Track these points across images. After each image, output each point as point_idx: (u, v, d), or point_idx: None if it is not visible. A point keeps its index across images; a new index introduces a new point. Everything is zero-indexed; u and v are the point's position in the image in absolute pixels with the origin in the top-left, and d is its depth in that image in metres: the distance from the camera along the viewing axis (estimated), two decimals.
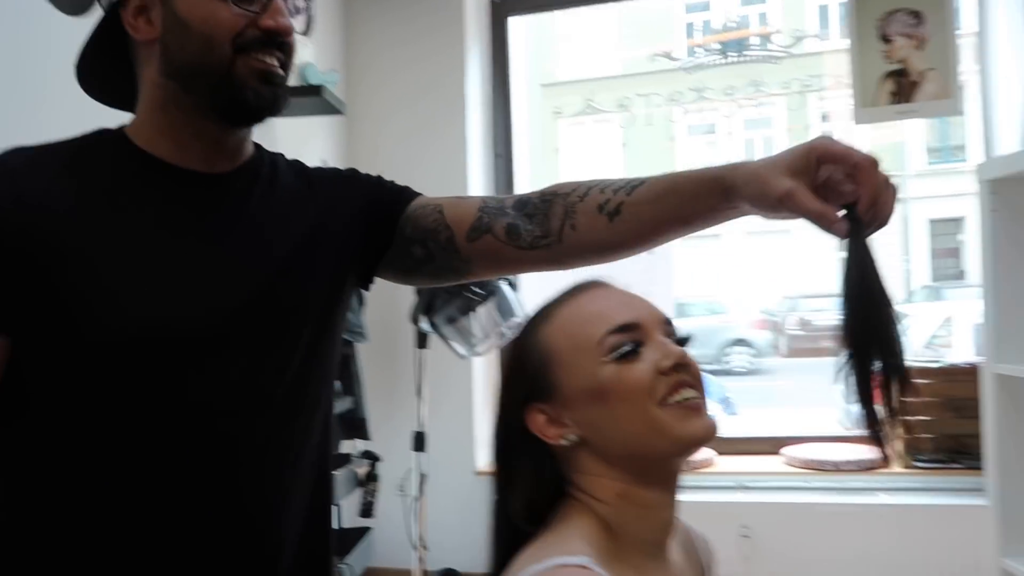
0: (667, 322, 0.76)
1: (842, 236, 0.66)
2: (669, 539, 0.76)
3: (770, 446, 2.99)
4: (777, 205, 0.68)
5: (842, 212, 0.66)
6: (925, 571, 2.53)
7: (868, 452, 2.75)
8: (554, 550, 0.68)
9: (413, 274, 0.96)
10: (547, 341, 0.76)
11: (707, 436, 0.71)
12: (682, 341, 0.75)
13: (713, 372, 8.66)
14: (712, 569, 0.85)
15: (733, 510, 2.65)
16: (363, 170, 0.99)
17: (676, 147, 15.37)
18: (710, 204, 0.77)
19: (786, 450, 2.88)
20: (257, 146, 0.94)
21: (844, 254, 0.66)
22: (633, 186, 0.82)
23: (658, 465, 0.73)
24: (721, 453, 2.95)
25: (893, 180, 0.66)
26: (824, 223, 0.66)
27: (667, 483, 0.74)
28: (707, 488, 2.78)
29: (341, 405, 2.30)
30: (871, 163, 0.66)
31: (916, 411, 2.75)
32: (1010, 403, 1.39)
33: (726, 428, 4.89)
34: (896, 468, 2.72)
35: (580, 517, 0.73)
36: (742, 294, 14.65)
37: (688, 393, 0.71)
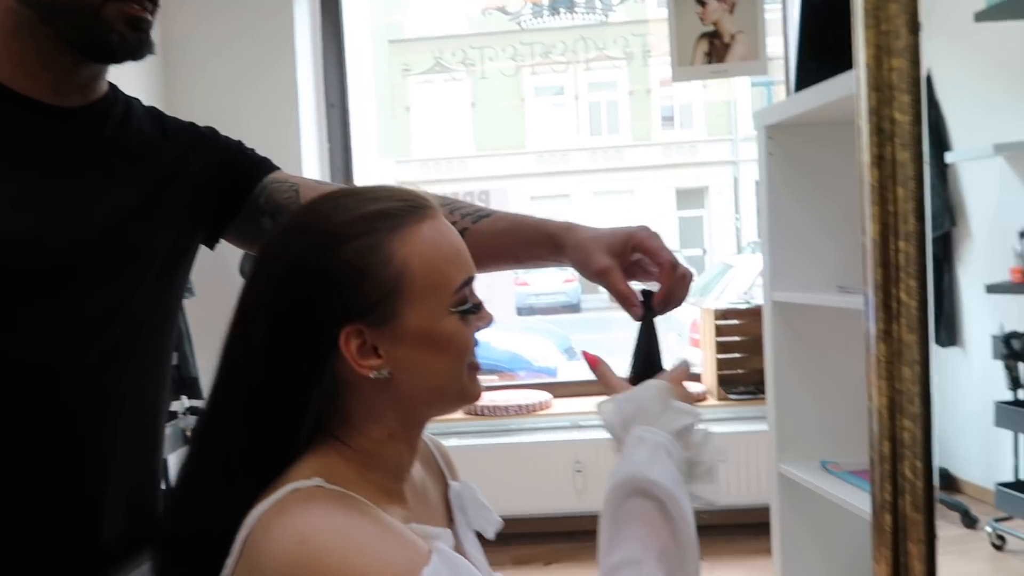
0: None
1: (636, 318, 0.81)
2: (412, 467, 0.75)
3: (603, 387, 3.17)
4: (594, 277, 0.82)
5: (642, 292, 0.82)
6: (737, 487, 2.81)
7: (691, 388, 2.99)
8: (284, 482, 0.63)
9: (258, 244, 0.95)
10: (405, 264, 0.66)
11: (481, 396, 0.75)
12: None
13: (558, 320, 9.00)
14: (450, 465, 0.86)
15: (568, 448, 2.81)
16: (184, 117, 0.97)
17: (525, 108, 15.61)
18: (541, 254, 0.88)
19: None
20: (112, 86, 0.89)
21: (638, 327, 0.82)
22: (480, 216, 0.90)
23: (436, 414, 0.73)
24: (557, 396, 3.10)
25: (689, 275, 0.82)
26: (625, 304, 0.81)
27: (431, 419, 0.74)
28: (543, 429, 2.93)
29: None
30: (672, 264, 0.80)
31: (728, 349, 3.02)
32: (785, 326, 1.56)
33: (563, 368, 5.12)
34: (713, 401, 2.99)
35: (323, 449, 0.67)
36: None
37: (477, 355, 0.73)
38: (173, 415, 2.28)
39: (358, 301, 0.66)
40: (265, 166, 0.96)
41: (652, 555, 0.65)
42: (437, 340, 0.67)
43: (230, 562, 0.61)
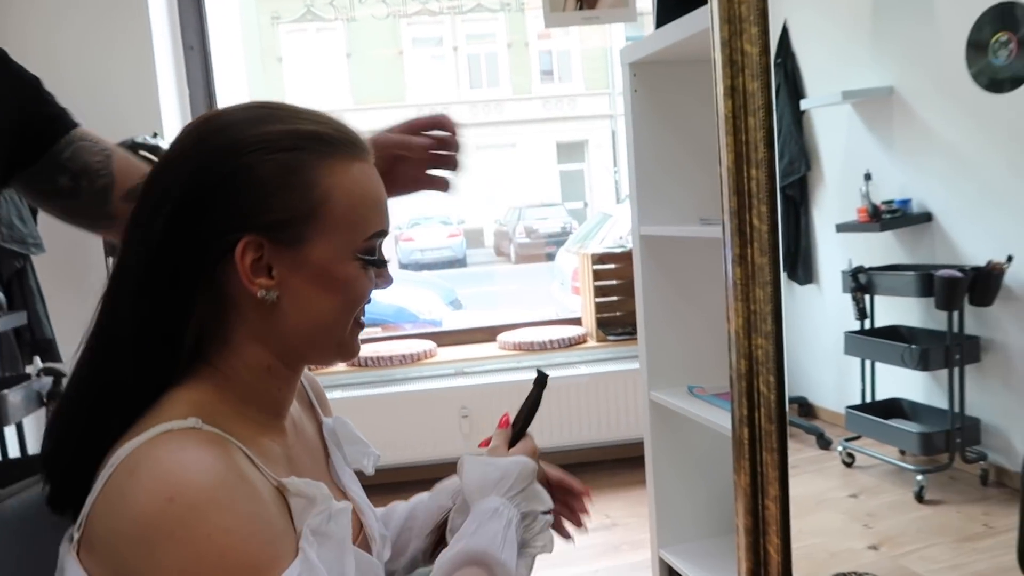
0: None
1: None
2: (291, 405, 0.75)
3: (487, 335, 3.22)
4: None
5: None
6: (616, 423, 2.95)
7: (571, 331, 3.09)
8: (157, 419, 0.60)
9: (47, 199, 0.87)
10: (328, 194, 0.64)
11: (357, 354, 0.74)
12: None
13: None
14: (323, 400, 0.87)
15: (453, 394, 2.84)
16: (25, 63, 0.87)
17: (403, 60, 15.24)
18: None
19: (501, 336, 3.12)
20: None
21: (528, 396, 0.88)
22: None
23: (312, 359, 0.71)
24: (441, 345, 3.12)
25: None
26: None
27: (308, 363, 0.74)
28: (429, 377, 2.95)
29: (12, 321, 2.07)
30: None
31: (606, 292, 3.12)
32: (653, 260, 1.64)
33: (449, 319, 5.16)
34: (592, 343, 3.09)
35: (198, 379, 0.65)
36: (475, 205, 15.23)
37: (365, 313, 0.73)
38: (26, 377, 2.13)
39: (265, 214, 0.63)
40: (67, 119, 0.88)
41: None
42: (334, 280, 0.66)
43: (90, 499, 0.58)
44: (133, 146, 2.22)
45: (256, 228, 0.63)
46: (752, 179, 1.10)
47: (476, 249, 15.00)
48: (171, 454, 0.57)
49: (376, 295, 0.71)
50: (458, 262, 13.46)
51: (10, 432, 2.10)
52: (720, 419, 1.41)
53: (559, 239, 11.59)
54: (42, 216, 2.27)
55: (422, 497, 0.94)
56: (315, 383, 0.87)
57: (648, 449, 1.71)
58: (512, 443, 0.82)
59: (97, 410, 0.62)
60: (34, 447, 2.30)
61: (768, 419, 1.18)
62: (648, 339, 1.68)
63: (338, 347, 0.70)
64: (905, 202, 1.58)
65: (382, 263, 0.70)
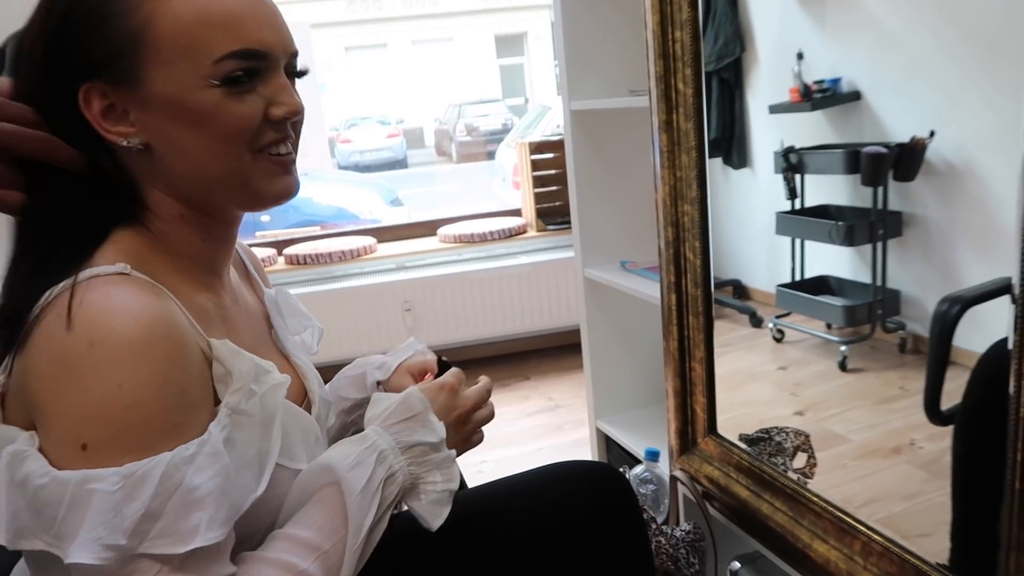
0: (294, 54, 0.66)
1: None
2: (226, 263, 0.73)
3: (427, 229, 3.20)
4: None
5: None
6: (556, 311, 3.01)
7: (511, 223, 3.09)
8: (87, 265, 0.59)
9: None
10: (149, 18, 0.59)
11: (288, 195, 0.68)
12: (300, 74, 0.68)
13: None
14: (262, 272, 0.86)
15: (396, 289, 2.85)
16: None
17: None
18: None
19: (441, 230, 3.11)
20: None
21: None
22: None
23: (226, 207, 0.68)
24: (382, 241, 3.10)
25: None
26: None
27: (233, 218, 0.70)
28: (370, 272, 2.94)
29: None
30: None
31: (544, 182, 3.12)
32: (583, 136, 1.63)
33: (389, 218, 5.10)
34: (532, 233, 3.11)
35: (127, 235, 0.63)
36: (413, 103, 14.80)
37: (284, 148, 0.66)
38: None
39: (91, 53, 0.60)
40: None
41: (310, 567, 0.62)
42: (191, 114, 0.61)
43: (19, 340, 0.57)
44: None
45: (90, 74, 0.60)
46: (676, 41, 1.09)
47: (416, 149, 14.67)
48: (101, 299, 0.56)
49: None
50: (398, 163, 13.18)
51: None
52: (651, 290, 1.45)
53: (500, 136, 11.41)
54: None
55: (338, 379, 0.95)
56: (253, 255, 0.85)
57: (584, 325, 1.75)
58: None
59: (39, 269, 0.60)
60: None
61: (694, 284, 1.21)
62: (581, 217, 1.69)
63: (245, 186, 0.65)
64: (835, 81, 1.58)
65: (249, 86, 0.62)
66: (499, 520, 0.80)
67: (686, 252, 1.21)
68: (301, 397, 0.77)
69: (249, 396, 0.61)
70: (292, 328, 0.82)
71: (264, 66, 0.63)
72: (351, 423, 0.93)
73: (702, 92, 1.15)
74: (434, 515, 0.70)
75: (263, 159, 0.65)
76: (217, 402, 0.61)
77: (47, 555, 0.54)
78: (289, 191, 0.67)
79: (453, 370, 0.80)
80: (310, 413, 0.76)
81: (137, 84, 0.61)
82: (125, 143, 0.62)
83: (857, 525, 0.97)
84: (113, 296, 0.56)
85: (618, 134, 1.64)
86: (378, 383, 0.90)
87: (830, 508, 1.01)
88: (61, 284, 0.57)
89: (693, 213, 1.17)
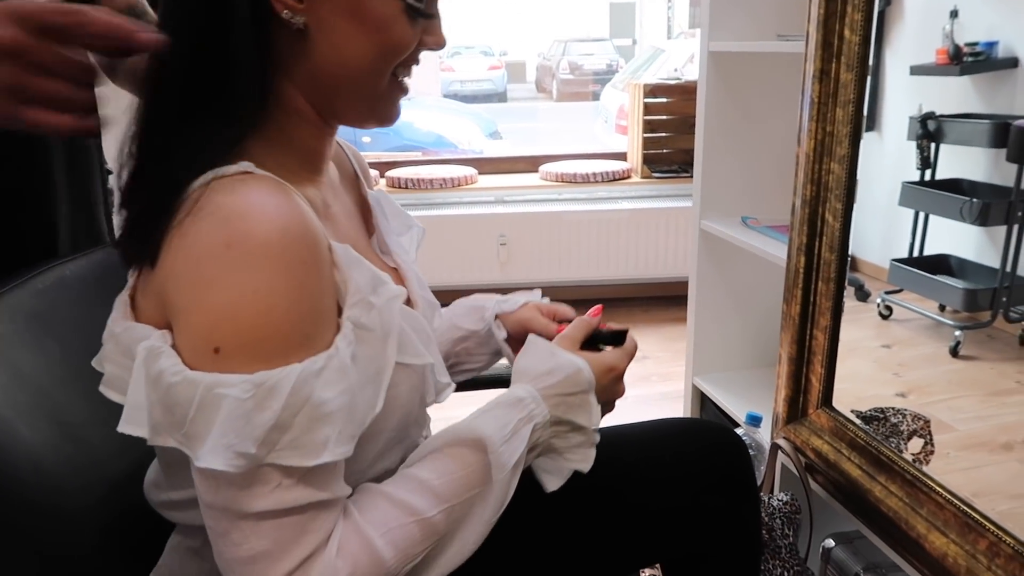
0: None
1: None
2: (327, 161, 0.71)
3: (529, 164, 3.15)
4: None
5: None
6: (656, 260, 2.94)
7: (615, 166, 3.01)
8: (211, 165, 0.57)
9: None
10: None
11: (394, 121, 0.68)
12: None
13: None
14: (367, 173, 0.83)
15: (493, 221, 2.83)
16: None
17: None
18: None
19: (543, 167, 3.05)
20: None
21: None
22: None
23: (339, 113, 0.66)
24: (483, 172, 3.07)
25: None
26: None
27: (340, 118, 0.68)
28: (469, 203, 2.92)
29: None
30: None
31: (654, 128, 3.01)
32: (718, 79, 1.53)
33: (491, 150, 5.08)
34: (636, 179, 3.02)
35: (244, 140, 0.61)
36: (517, 37, 14.55)
37: (409, 77, 0.67)
38: None
39: None
40: None
41: (434, 516, 0.61)
42: (369, 16, 0.60)
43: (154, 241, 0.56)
44: None
45: None
46: None
47: (517, 84, 14.48)
48: (234, 200, 0.54)
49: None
50: (498, 96, 13.07)
51: None
52: (774, 249, 1.37)
53: (604, 77, 11.11)
54: None
55: (454, 306, 0.93)
56: (358, 154, 0.83)
57: (692, 278, 1.68)
58: (591, 344, 0.78)
59: (165, 165, 0.58)
60: None
61: (829, 248, 1.14)
62: (705, 166, 1.61)
63: (372, 102, 0.65)
64: (991, 44, 1.44)
65: (429, 14, 0.63)
66: (611, 469, 0.78)
67: (825, 214, 1.13)
68: (405, 299, 0.75)
69: (368, 309, 0.59)
70: (396, 229, 0.80)
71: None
72: (461, 352, 0.92)
73: (870, 41, 1.05)
74: (549, 482, 0.70)
75: (394, 82, 0.65)
76: (339, 311, 0.59)
77: (176, 455, 0.55)
78: (397, 117, 0.69)
79: (627, 350, 0.77)
80: None
81: None
82: (289, 16, 0.59)
83: (985, 523, 0.90)
84: (247, 196, 0.54)
85: (757, 81, 1.54)
86: (496, 317, 0.88)
87: (955, 501, 0.94)
88: (192, 186, 0.55)
89: (840, 172, 1.09)
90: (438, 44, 0.66)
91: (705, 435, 0.85)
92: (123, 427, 0.55)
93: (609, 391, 0.74)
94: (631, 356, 0.77)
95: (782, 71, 1.46)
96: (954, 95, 1.50)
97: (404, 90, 0.67)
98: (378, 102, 0.65)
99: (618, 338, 0.79)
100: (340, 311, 0.59)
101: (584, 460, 0.71)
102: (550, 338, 0.78)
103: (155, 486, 0.68)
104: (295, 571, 0.54)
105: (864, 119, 1.15)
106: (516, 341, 0.87)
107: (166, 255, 0.55)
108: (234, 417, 0.51)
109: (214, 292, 0.52)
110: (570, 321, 0.82)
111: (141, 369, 0.54)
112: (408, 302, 0.74)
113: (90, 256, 0.77)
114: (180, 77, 0.58)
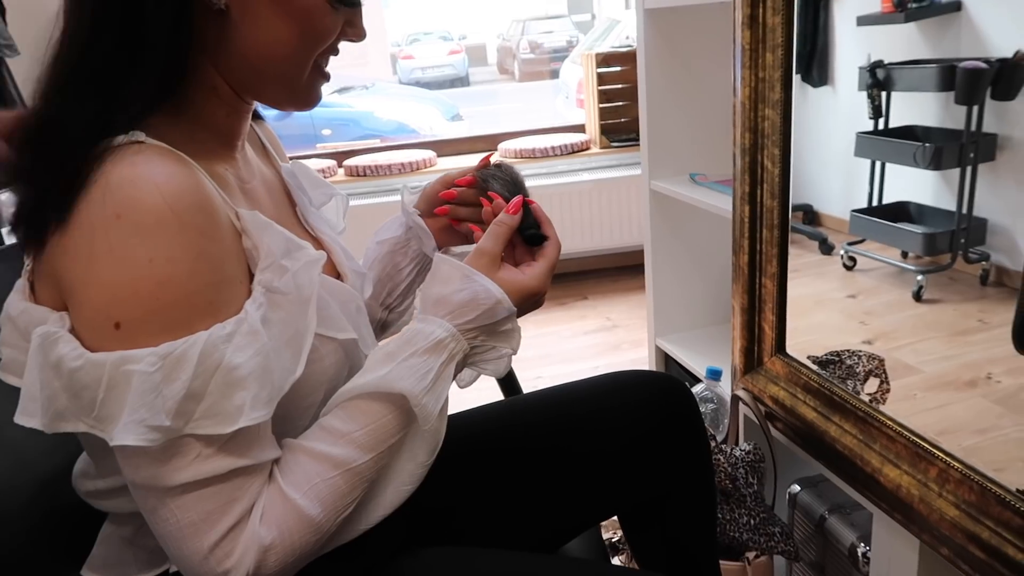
0: None
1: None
2: (242, 138, 0.70)
3: (488, 143, 3.14)
4: None
5: None
6: (619, 231, 2.94)
7: (574, 138, 3.00)
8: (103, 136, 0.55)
9: None
10: None
11: (314, 106, 0.67)
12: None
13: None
14: (279, 148, 0.83)
15: None
16: None
17: None
18: None
19: (502, 145, 3.04)
20: None
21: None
22: None
23: (257, 94, 0.65)
24: (442, 155, 3.05)
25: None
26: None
27: (259, 99, 0.68)
28: None
29: None
30: None
31: (610, 97, 3.00)
32: (655, 35, 1.53)
33: (449, 132, 5.04)
34: (595, 149, 3.02)
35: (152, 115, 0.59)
36: (476, 20, 14.43)
37: (329, 65, 0.67)
38: None
39: None
40: None
41: (358, 465, 0.59)
42: (292, 4, 0.60)
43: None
44: None
45: None
46: None
47: (479, 67, 14.38)
48: (123, 168, 0.53)
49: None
50: (460, 80, 12.97)
51: None
52: (721, 203, 1.37)
53: (565, 54, 11.06)
54: (12, 15, 2.14)
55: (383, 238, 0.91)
56: (268, 130, 0.82)
57: (647, 240, 1.69)
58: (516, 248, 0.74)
59: (59, 141, 0.56)
60: None
61: (771, 195, 1.14)
62: (650, 127, 1.61)
63: (291, 89, 0.64)
64: None
65: (352, 3, 0.63)
66: (559, 424, 0.78)
67: (764, 160, 1.14)
68: (332, 272, 0.74)
69: (282, 273, 0.58)
70: (316, 200, 0.79)
71: None
72: (393, 271, 0.90)
73: None
74: (460, 383, 0.69)
75: (315, 69, 0.65)
76: (251, 278, 0.58)
77: (100, 440, 0.53)
78: (318, 101, 0.68)
79: (548, 260, 0.72)
80: None
81: None
82: None
83: (934, 451, 0.91)
84: (135, 166, 0.53)
85: (695, 37, 1.54)
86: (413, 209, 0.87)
87: (904, 432, 0.96)
88: (87, 159, 0.53)
89: (775, 118, 1.09)
90: (358, 36, 0.65)
91: (650, 384, 0.85)
92: (19, 418, 0.54)
93: (530, 308, 0.70)
94: (552, 267, 0.72)
95: (718, 23, 1.45)
96: (901, 43, 1.50)
97: (325, 76, 0.66)
98: (298, 87, 0.64)
99: (537, 239, 0.74)
100: (253, 278, 0.58)
101: (497, 370, 0.68)
102: (468, 239, 0.76)
103: (83, 475, 0.67)
104: (222, 540, 0.54)
105: (794, 62, 1.15)
106: (440, 230, 0.86)
107: (58, 231, 0.54)
108: (144, 391, 0.50)
109: (108, 265, 0.51)
110: (472, 186, 0.80)
111: (36, 357, 0.53)
112: (338, 276, 0.74)
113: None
114: (82, 51, 0.57)
